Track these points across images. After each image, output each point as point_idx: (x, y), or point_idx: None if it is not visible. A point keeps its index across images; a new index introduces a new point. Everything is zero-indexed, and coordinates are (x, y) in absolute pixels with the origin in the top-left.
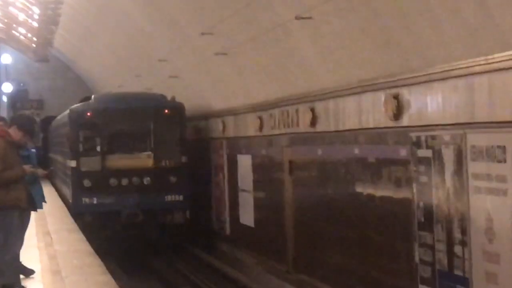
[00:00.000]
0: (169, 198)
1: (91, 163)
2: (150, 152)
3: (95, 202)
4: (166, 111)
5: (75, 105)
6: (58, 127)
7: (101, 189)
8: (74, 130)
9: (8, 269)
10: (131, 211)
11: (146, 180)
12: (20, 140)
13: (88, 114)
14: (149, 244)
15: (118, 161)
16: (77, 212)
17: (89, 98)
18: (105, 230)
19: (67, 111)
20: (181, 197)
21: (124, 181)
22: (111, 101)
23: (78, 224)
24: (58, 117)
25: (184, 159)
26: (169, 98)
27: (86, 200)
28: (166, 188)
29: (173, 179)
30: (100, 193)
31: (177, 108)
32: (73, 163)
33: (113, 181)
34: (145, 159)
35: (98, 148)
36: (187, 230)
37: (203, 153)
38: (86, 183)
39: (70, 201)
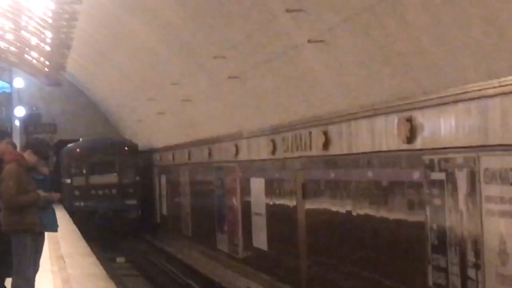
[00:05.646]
0: (128, 202)
1: (79, 180)
2: (116, 174)
3: (82, 205)
4: (126, 148)
5: (70, 144)
6: (61, 157)
7: (86, 197)
8: (69, 160)
9: None
10: (104, 210)
11: (114, 191)
12: (35, 164)
13: (78, 150)
14: (115, 232)
15: (96, 179)
16: (71, 211)
17: (78, 140)
18: (88, 223)
19: (65, 148)
20: (135, 201)
21: (100, 192)
22: (92, 142)
23: (73, 219)
24: (62, 150)
25: (138, 178)
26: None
27: (76, 204)
28: (126, 196)
29: (130, 190)
30: (85, 199)
31: (133, 146)
32: (68, 181)
33: (93, 192)
34: (113, 178)
35: (84, 171)
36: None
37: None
38: (76, 193)
39: (67, 205)
